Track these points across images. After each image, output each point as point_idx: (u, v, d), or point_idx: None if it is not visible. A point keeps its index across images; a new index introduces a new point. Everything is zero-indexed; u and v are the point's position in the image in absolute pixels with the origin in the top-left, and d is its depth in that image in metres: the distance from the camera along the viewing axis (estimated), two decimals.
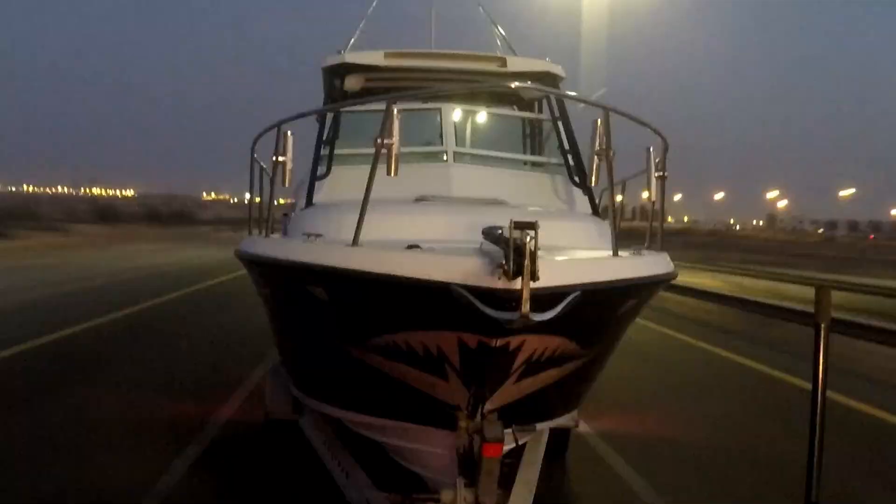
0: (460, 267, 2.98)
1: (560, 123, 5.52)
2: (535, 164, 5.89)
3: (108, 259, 27.55)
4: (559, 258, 3.19)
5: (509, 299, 2.82)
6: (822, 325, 4.41)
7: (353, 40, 6.77)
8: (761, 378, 9.72)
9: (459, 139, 5.19)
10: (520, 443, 4.33)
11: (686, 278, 16.21)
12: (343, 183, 4.92)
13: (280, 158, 4.52)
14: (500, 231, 2.92)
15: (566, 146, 5.43)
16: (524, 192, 5.15)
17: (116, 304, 14.20)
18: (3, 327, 11.48)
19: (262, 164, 5.25)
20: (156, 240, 43.35)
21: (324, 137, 5.42)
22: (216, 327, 12.41)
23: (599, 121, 3.72)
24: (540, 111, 6.47)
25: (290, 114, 4.51)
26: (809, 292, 5.11)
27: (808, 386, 4.83)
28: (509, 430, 3.44)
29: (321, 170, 5.18)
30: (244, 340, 10.56)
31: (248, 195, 5.61)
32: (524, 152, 6.28)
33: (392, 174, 3.48)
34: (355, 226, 3.45)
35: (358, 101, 5.52)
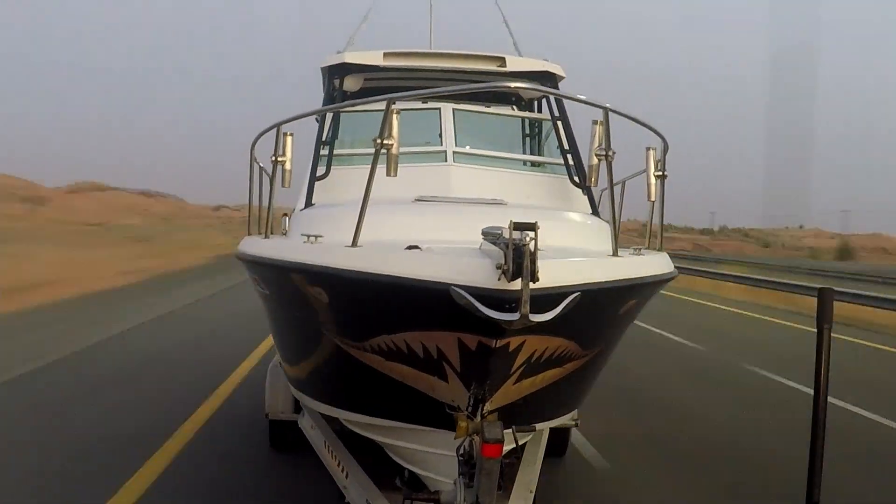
0: (460, 268, 2.97)
1: (560, 123, 5.51)
2: (534, 165, 5.87)
3: None
4: (559, 259, 3.18)
5: (509, 300, 2.82)
6: (825, 328, 4.40)
7: (352, 40, 6.76)
8: None
9: (459, 139, 5.17)
10: (520, 443, 4.32)
11: None
12: (342, 183, 4.91)
13: (279, 159, 4.52)
14: (499, 232, 2.91)
15: (566, 146, 5.41)
16: (524, 192, 5.14)
17: None
18: None
19: (261, 164, 5.24)
20: None
21: (323, 138, 5.41)
22: None
23: (599, 121, 3.71)
24: (539, 111, 6.46)
25: (289, 114, 4.51)
26: None
27: None
28: (509, 431, 3.43)
29: (320, 170, 5.17)
30: None
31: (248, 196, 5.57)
32: (524, 152, 6.27)
33: (391, 174, 3.47)
34: (355, 226, 3.44)
35: (357, 102, 5.51)
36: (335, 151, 5.30)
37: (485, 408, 3.36)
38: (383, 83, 6.00)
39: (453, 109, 5.29)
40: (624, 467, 6.54)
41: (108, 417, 7.46)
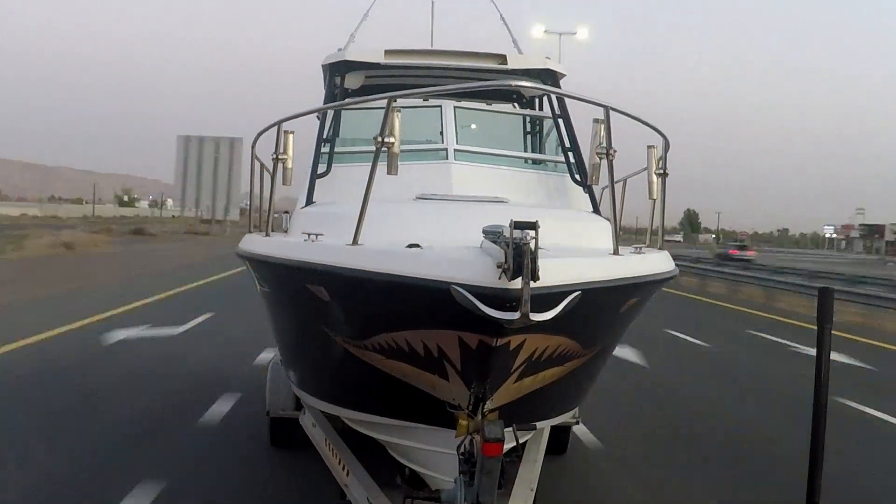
0: (461, 266, 2.97)
1: (561, 121, 5.51)
2: (535, 163, 5.88)
3: None
4: (559, 258, 3.18)
5: (509, 299, 2.81)
6: (826, 326, 4.40)
7: (353, 38, 6.76)
8: None
9: (460, 137, 5.17)
10: (520, 442, 4.32)
11: None
12: (343, 181, 4.91)
13: (280, 157, 4.52)
14: (500, 230, 2.91)
15: (567, 144, 5.41)
16: (525, 190, 5.14)
17: None
18: None
19: (262, 162, 5.25)
20: None
21: (324, 136, 5.42)
22: None
23: (600, 119, 3.71)
24: (541, 109, 6.46)
25: (289, 112, 4.52)
26: None
27: None
28: (510, 429, 3.44)
29: (321, 168, 5.18)
30: None
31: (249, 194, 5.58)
32: (525, 150, 6.27)
33: (392, 172, 3.47)
34: (355, 225, 3.44)
35: (358, 99, 5.52)
36: (336, 149, 5.30)
37: (485, 406, 3.36)
38: (384, 81, 5.99)
39: (454, 107, 5.28)
40: None
41: None
